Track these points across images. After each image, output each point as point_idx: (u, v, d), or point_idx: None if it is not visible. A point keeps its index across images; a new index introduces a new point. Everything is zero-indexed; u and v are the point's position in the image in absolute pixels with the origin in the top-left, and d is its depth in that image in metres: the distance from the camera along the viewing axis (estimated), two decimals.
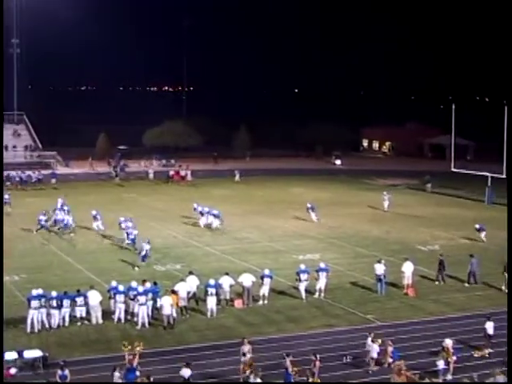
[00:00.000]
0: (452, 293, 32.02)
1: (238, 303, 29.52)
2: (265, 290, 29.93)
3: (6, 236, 36.79)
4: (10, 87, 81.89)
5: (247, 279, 29.86)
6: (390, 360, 23.26)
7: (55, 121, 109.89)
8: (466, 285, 32.94)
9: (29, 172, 66.84)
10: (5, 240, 35.94)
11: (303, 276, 30.45)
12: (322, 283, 30.82)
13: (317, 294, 30.82)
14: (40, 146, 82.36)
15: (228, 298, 29.51)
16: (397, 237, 44.21)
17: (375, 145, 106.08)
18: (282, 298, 30.71)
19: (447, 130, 68.67)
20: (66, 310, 27.00)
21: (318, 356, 21.96)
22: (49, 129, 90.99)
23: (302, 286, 30.51)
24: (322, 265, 31.43)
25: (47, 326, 26.56)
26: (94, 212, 44.47)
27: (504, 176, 55.92)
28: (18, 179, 63.89)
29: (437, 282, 33.26)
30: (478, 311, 29.12)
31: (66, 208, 45.45)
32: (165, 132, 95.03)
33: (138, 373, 21.39)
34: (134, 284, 27.97)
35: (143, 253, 36.25)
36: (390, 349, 23.57)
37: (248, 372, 21.83)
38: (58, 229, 43.23)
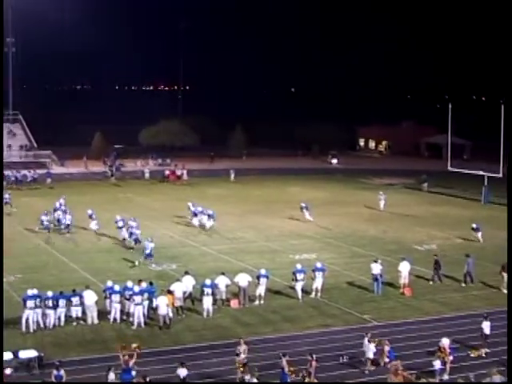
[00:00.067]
0: (448, 292, 32.00)
1: (234, 303, 29.45)
2: (261, 290, 29.87)
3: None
4: (4, 86, 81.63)
5: (243, 279, 29.80)
6: (387, 360, 23.22)
7: (50, 120, 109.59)
8: (463, 285, 32.91)
9: (24, 171, 66.65)
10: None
11: (299, 276, 30.40)
12: (318, 283, 30.77)
13: (313, 293, 30.76)
14: (35, 145, 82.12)
15: (224, 297, 29.44)
16: (393, 236, 44.18)
17: (371, 144, 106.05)
18: (279, 298, 30.65)
19: (444, 129, 68.63)
20: (61, 310, 26.93)
21: (314, 356, 21.93)
22: (44, 128, 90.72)
23: (299, 286, 30.45)
24: (319, 264, 31.40)
25: (42, 326, 26.47)
26: (89, 211, 44.42)
27: (500, 175, 55.91)
28: (13, 179, 63.70)
29: (431, 282, 33.21)
30: (474, 311, 29.09)
31: (63, 208, 45.36)
32: (161, 131, 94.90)
33: (134, 373, 21.33)
34: (129, 284, 27.89)
35: (147, 251, 36.25)
36: (387, 348, 23.54)
37: (240, 372, 21.83)
38: (64, 228, 43.18)
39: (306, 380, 21.64)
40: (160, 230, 44.26)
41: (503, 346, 24.65)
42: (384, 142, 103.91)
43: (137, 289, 27.51)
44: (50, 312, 26.67)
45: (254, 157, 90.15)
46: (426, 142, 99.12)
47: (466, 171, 62.25)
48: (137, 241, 38.91)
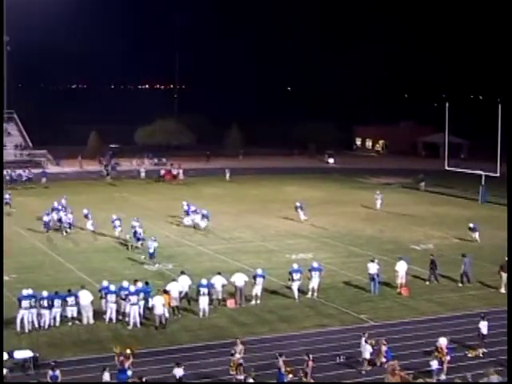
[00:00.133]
0: (445, 292, 31.91)
1: (230, 303, 29.35)
2: (257, 290, 29.76)
3: None
4: None
5: (240, 279, 29.69)
6: (384, 360, 23.14)
7: (46, 119, 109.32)
8: (460, 285, 32.80)
9: (19, 171, 66.48)
10: None
11: (296, 275, 30.30)
12: (314, 283, 30.66)
13: (310, 293, 30.66)
14: (30, 144, 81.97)
15: (220, 297, 29.34)
16: (390, 236, 44.09)
17: (368, 143, 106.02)
18: (275, 298, 30.55)
19: (441, 128, 68.57)
20: (56, 310, 26.81)
21: (310, 356, 21.87)
22: (39, 127, 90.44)
23: (295, 286, 30.35)
24: (315, 264, 31.28)
25: (37, 326, 26.33)
26: (85, 211, 44.28)
27: (498, 174, 55.82)
28: (8, 178, 63.47)
29: (427, 282, 33.11)
30: (471, 311, 29.00)
31: (60, 207, 45.20)
32: (157, 130, 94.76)
33: (129, 373, 21.23)
34: (125, 284, 27.77)
35: (151, 250, 36.20)
36: (384, 348, 23.46)
37: (231, 371, 21.73)
38: (68, 228, 43.09)
39: (303, 380, 21.55)
40: (156, 229, 44.07)
41: (500, 346, 24.64)
42: (381, 141, 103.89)
43: (132, 289, 27.40)
44: (45, 312, 26.55)
45: (250, 156, 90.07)
46: (423, 141, 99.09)
47: (464, 170, 62.15)
48: (140, 239, 38.91)
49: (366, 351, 23.25)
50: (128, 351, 21.91)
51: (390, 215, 51.31)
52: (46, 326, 26.49)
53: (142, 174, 71.09)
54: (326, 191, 63.31)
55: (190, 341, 25.65)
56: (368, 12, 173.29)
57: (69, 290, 27.46)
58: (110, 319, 27.24)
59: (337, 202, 56.75)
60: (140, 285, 27.97)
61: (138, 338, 25.57)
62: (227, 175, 70.17)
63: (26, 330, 26.05)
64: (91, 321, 27.16)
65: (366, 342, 23.35)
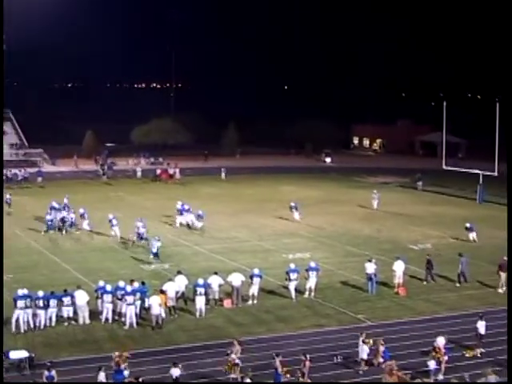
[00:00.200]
0: (443, 292, 31.82)
1: (227, 303, 29.24)
2: (254, 290, 29.65)
3: None
4: None
5: (236, 279, 29.58)
6: (381, 360, 23.04)
7: (41, 118, 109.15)
8: (457, 285, 32.69)
9: (15, 170, 66.26)
10: None
11: (293, 275, 30.18)
12: (312, 282, 30.55)
13: (307, 293, 30.55)
14: (26, 143, 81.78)
15: (217, 297, 29.22)
16: (388, 235, 43.97)
17: (366, 142, 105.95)
18: (272, 298, 30.43)
19: (438, 127, 68.39)
20: (52, 310, 26.69)
21: (308, 356, 21.78)
22: (35, 126, 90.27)
23: (292, 286, 30.23)
24: (312, 264, 31.18)
25: (32, 326, 26.19)
26: (81, 210, 44.09)
27: (496, 174, 55.71)
28: (4, 177, 63.22)
29: (425, 282, 33.00)
30: (469, 311, 28.91)
31: (57, 206, 45.03)
32: (153, 129, 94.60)
33: (126, 373, 21.11)
34: (121, 284, 27.66)
35: (154, 250, 36.09)
36: (382, 348, 23.37)
37: (225, 370, 21.76)
38: (70, 227, 43.01)
39: (300, 380, 21.45)
40: (152, 229, 43.86)
41: (498, 346, 24.61)
42: (378, 141, 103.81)
43: (129, 289, 27.29)
44: (41, 312, 26.42)
45: (247, 155, 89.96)
46: (421, 141, 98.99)
47: (462, 170, 62.02)
48: (143, 239, 38.89)
49: (364, 352, 23.15)
50: (125, 354, 21.74)
51: (387, 215, 51.20)
52: (42, 326, 26.37)
53: (139, 174, 70.93)
54: (323, 190, 63.20)
55: (186, 341, 25.54)
56: (368, 12, 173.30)
57: (65, 290, 27.35)
58: (106, 319, 27.10)
59: (334, 202, 56.64)
60: (136, 285, 27.83)
61: (135, 338, 25.46)
62: (223, 175, 70.00)
63: (22, 330, 25.92)
64: (87, 321, 27.02)
65: (363, 342, 23.25)
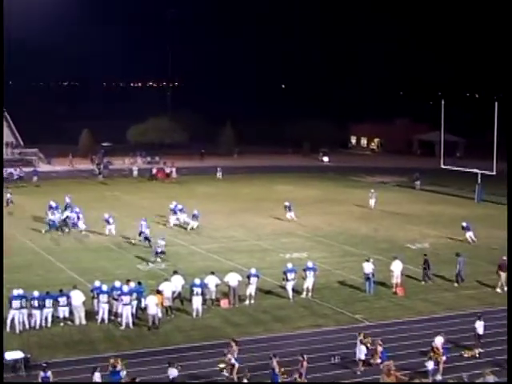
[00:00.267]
0: (441, 292, 31.69)
1: (224, 303, 29.09)
2: (251, 290, 29.50)
3: None
4: None
5: (233, 278, 29.42)
6: (379, 360, 22.91)
7: (37, 117, 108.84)
8: (455, 285, 32.55)
9: (10, 169, 65.99)
10: None
11: (290, 275, 30.04)
12: (309, 282, 30.41)
13: (304, 293, 30.41)
14: (21, 142, 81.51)
15: (214, 297, 29.08)
16: (385, 235, 43.82)
17: (363, 141, 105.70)
18: (269, 298, 30.28)
19: (436, 126, 68.17)
20: (48, 311, 26.52)
21: (305, 356, 21.67)
22: (30, 125, 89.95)
23: (289, 286, 30.09)
24: (310, 264, 31.01)
25: (28, 326, 26.00)
26: (77, 210, 43.87)
27: (494, 173, 55.57)
28: None
29: (423, 282, 32.87)
30: (467, 311, 28.78)
31: (55, 205, 44.79)
32: (149, 128, 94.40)
33: (123, 373, 20.96)
34: (117, 284, 27.48)
35: (159, 249, 35.99)
36: (380, 349, 23.24)
37: (220, 369, 21.68)
38: (72, 227, 42.81)
39: (297, 380, 21.32)
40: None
41: (497, 346, 24.53)
42: (376, 140, 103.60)
43: (125, 289, 27.12)
44: (36, 312, 26.25)
45: (244, 154, 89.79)
46: (419, 140, 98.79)
47: (460, 169, 61.86)
48: (146, 239, 38.80)
49: (361, 352, 23.03)
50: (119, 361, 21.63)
51: (384, 214, 51.06)
52: (37, 327, 26.22)
53: (135, 173, 70.68)
54: (321, 190, 63.05)
55: (183, 341, 25.40)
56: (368, 12, 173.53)
57: (60, 290, 27.18)
58: (102, 320, 26.94)
59: (331, 201, 56.48)
60: (133, 285, 27.70)
61: (131, 339, 25.31)
62: (218, 174, 69.75)
63: (17, 331, 25.75)
64: (83, 321, 26.84)
65: (361, 342, 23.12)
